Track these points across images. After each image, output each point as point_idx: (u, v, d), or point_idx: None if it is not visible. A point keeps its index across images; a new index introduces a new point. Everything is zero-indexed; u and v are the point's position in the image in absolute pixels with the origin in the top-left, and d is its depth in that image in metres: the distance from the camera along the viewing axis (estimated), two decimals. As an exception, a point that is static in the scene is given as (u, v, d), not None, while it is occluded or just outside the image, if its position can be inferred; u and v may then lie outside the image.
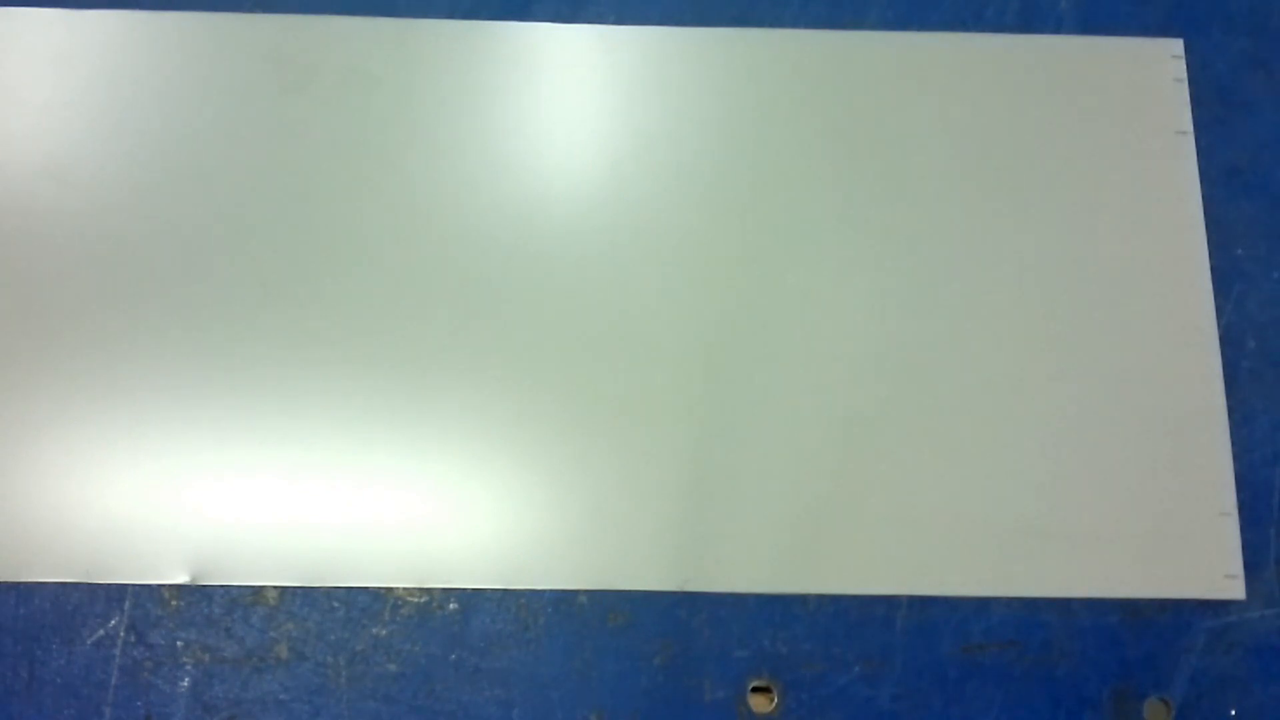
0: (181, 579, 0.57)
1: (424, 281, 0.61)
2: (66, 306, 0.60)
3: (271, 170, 0.62)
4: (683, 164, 0.63)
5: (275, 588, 0.57)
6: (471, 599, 0.57)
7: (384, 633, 0.57)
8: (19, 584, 0.56)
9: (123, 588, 0.57)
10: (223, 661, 0.56)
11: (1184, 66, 0.66)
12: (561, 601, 0.57)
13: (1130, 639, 0.57)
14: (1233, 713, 0.56)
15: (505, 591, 0.57)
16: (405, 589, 0.57)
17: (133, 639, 0.56)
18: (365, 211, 0.62)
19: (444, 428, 0.59)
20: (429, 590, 0.57)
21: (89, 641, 0.56)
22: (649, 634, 0.57)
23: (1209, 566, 0.58)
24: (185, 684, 0.56)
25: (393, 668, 0.56)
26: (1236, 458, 0.59)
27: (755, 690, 0.56)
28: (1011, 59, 0.66)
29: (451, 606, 0.57)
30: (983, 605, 0.57)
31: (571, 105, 0.64)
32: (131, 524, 0.57)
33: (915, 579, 0.57)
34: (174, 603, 0.57)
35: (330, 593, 0.57)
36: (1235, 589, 0.57)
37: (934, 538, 0.58)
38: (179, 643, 0.56)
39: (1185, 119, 0.65)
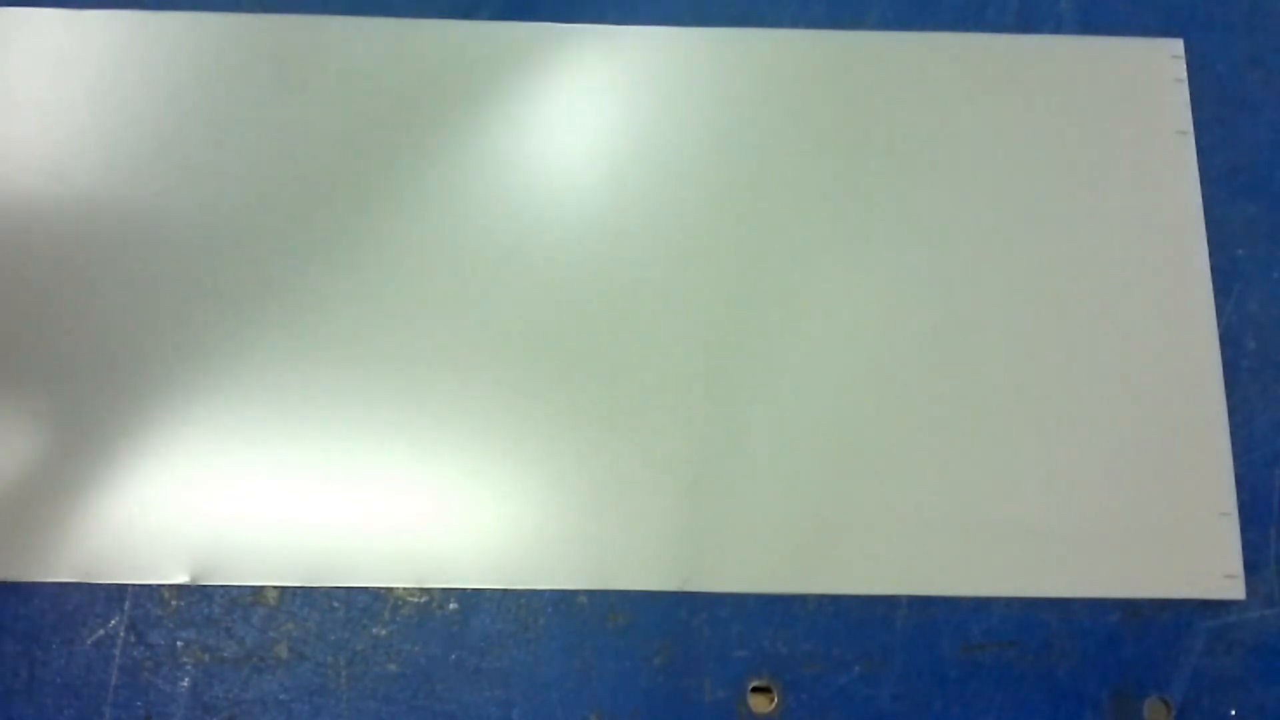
0: (181, 579, 0.57)
1: (423, 281, 0.61)
2: (66, 306, 0.60)
3: (271, 170, 0.62)
4: (683, 164, 0.63)
5: (275, 588, 0.57)
6: (471, 599, 0.57)
7: (384, 633, 0.57)
8: (19, 584, 0.56)
9: (123, 588, 0.57)
10: (223, 661, 0.56)
11: (1184, 66, 0.66)
12: (561, 601, 0.57)
13: (1130, 639, 0.57)
14: (1233, 713, 0.56)
15: (505, 591, 0.57)
16: (405, 589, 0.57)
17: (133, 639, 0.56)
18: (365, 212, 0.62)
19: (444, 428, 0.59)
20: (429, 590, 0.57)
21: (89, 641, 0.56)
22: (649, 634, 0.57)
23: (1209, 566, 0.58)
24: (185, 684, 0.56)
25: (393, 668, 0.56)
26: (1236, 458, 0.59)
27: (755, 690, 0.56)
28: (1011, 59, 0.66)
29: (451, 606, 0.57)
30: (983, 605, 0.57)
31: (571, 105, 0.64)
32: (131, 524, 0.57)
33: (915, 579, 0.57)
34: (174, 603, 0.57)
35: (330, 593, 0.57)
36: (1235, 589, 0.58)
37: (934, 538, 0.58)
38: (179, 643, 0.56)
39: (1185, 119, 0.65)
